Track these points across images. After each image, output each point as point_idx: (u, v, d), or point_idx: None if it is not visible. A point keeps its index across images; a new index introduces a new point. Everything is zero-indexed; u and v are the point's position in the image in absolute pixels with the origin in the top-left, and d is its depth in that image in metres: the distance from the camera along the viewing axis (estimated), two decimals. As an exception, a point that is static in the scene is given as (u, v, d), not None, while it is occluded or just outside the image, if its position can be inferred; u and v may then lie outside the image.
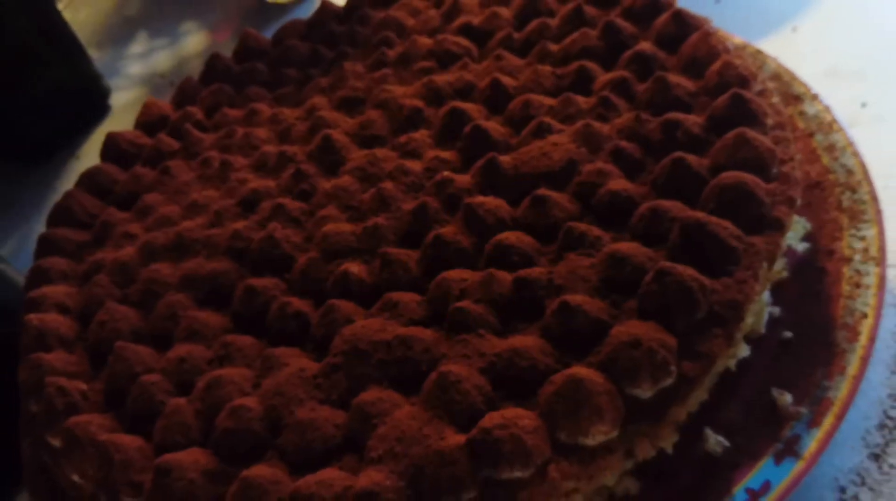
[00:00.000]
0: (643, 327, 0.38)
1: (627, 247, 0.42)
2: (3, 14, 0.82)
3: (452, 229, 0.47)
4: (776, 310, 0.45)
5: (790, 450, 0.40)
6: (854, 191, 0.49)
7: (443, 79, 0.58)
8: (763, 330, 0.44)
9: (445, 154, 0.53)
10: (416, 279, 0.46)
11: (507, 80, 0.55)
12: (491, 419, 0.37)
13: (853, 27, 0.66)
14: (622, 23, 0.55)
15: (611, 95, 0.51)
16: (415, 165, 0.53)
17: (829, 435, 0.40)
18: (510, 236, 0.45)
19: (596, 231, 0.44)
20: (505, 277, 0.43)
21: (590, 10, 0.58)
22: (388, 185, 0.51)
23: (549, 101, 0.53)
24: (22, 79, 0.86)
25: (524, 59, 0.58)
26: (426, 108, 0.57)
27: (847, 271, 0.46)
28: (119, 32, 1.06)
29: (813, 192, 0.50)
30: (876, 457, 0.43)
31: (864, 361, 0.42)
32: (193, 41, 0.99)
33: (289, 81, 0.68)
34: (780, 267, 0.46)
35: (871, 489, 0.42)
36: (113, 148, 0.67)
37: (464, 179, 0.50)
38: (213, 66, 0.72)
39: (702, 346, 0.38)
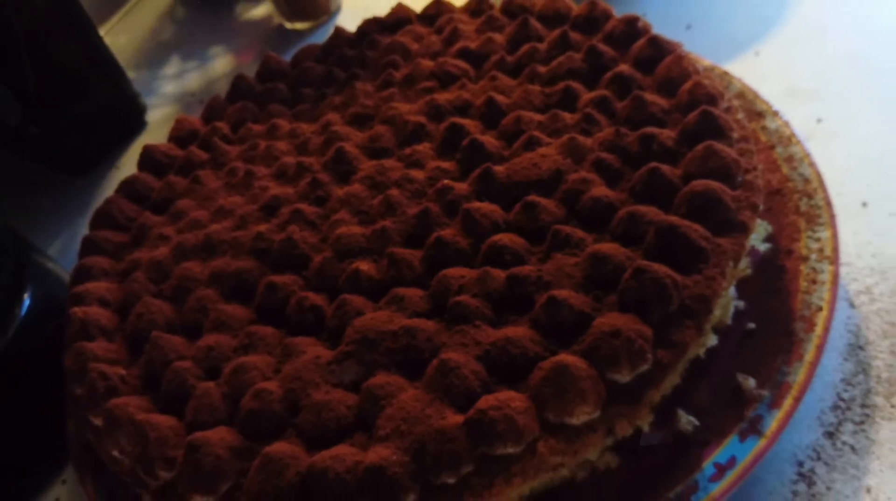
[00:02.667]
0: (622, 318, 0.38)
1: (608, 247, 0.42)
2: (54, 42, 0.82)
3: (452, 232, 0.47)
4: (741, 304, 0.45)
5: (753, 429, 0.40)
6: (810, 197, 0.49)
7: (443, 97, 0.58)
8: (729, 321, 0.44)
9: (446, 165, 0.53)
10: (420, 276, 0.46)
11: (500, 98, 0.55)
12: (486, 401, 0.37)
13: (810, 51, 0.66)
14: (603, 47, 0.55)
15: (593, 111, 0.51)
16: (418, 175, 0.52)
17: (789, 415, 0.40)
18: (503, 238, 0.45)
19: (580, 233, 0.44)
20: (499, 274, 0.43)
21: (574, 36, 0.58)
22: (394, 192, 0.51)
23: (538, 117, 0.53)
24: (69, 99, 0.86)
25: (516, 80, 0.58)
26: (428, 123, 0.57)
27: (804, 268, 0.46)
28: (154, 56, 1.06)
29: (774, 198, 0.50)
30: (830, 435, 0.43)
31: (820, 349, 0.42)
32: (220, 63, 0.99)
33: (306, 99, 0.68)
34: (745, 265, 0.46)
35: (825, 463, 0.42)
36: (149, 159, 0.67)
37: (462, 187, 0.50)
38: (238, 85, 0.72)
39: (675, 336, 0.38)
